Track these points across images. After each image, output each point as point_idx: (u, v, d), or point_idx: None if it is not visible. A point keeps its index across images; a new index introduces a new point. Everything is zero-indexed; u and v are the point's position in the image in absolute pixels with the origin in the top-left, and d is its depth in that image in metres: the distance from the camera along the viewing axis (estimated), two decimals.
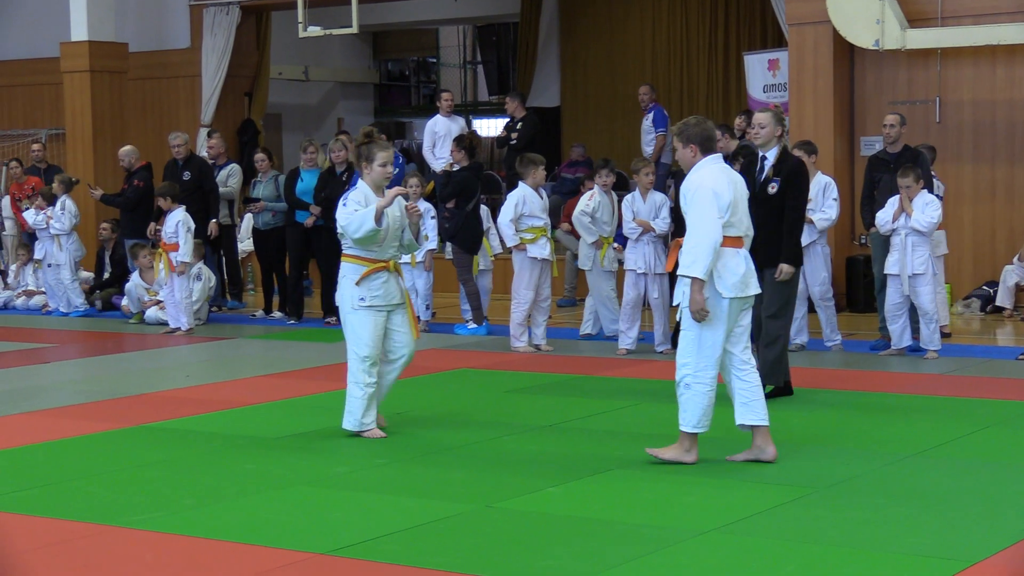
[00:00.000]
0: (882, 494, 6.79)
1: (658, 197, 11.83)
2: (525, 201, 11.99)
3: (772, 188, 9.23)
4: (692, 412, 7.38)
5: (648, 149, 16.51)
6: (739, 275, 7.34)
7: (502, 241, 12.72)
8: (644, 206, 11.74)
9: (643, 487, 7.08)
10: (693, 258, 7.23)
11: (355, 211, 8.14)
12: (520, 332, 12.00)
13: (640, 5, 21.41)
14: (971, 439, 8.14)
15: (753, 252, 8.57)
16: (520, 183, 12.18)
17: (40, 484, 7.38)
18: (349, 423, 8.33)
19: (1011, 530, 6.06)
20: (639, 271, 11.75)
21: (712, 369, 7.37)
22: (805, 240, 11.59)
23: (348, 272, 8.32)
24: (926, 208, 10.96)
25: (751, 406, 7.49)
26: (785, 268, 9.24)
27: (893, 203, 11.21)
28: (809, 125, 14.10)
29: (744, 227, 7.45)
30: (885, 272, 11.39)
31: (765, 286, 9.18)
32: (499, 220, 12.25)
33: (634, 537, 6.08)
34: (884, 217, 11.27)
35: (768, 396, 9.15)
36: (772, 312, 9.33)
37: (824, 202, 11.53)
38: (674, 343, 10.26)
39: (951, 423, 8.62)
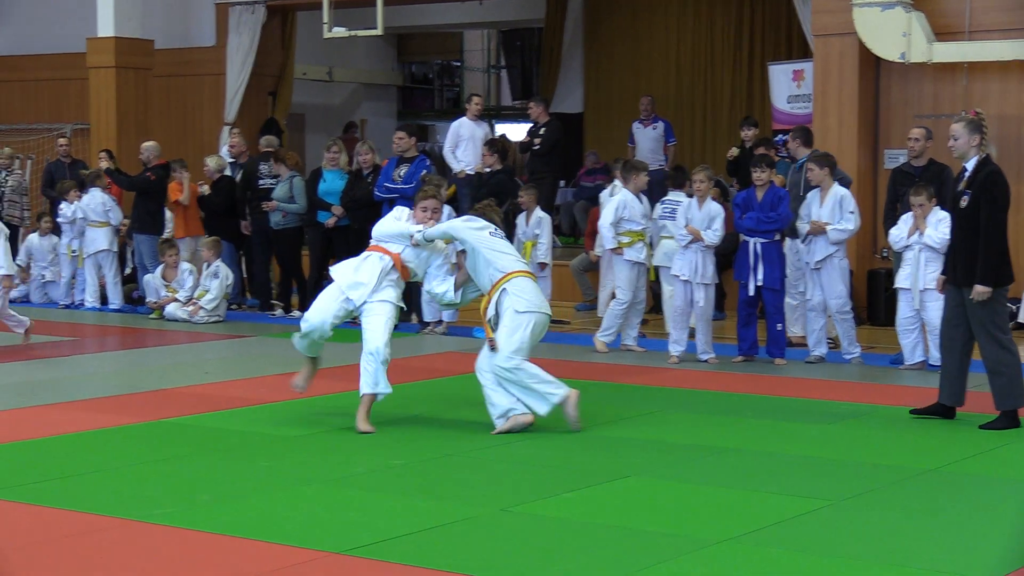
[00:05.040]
0: (900, 508, 6.77)
1: (713, 207, 11.79)
2: (626, 206, 12.26)
3: (963, 201, 8.82)
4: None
5: (651, 156, 16.72)
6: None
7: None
8: (699, 214, 11.73)
9: (661, 494, 7.07)
10: None
11: None
12: (613, 330, 12.31)
13: (665, 13, 21.38)
14: (991, 455, 8.11)
15: (953, 270, 8.75)
16: (623, 189, 12.47)
17: (59, 476, 7.41)
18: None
19: None
20: (683, 278, 11.73)
21: None
22: (821, 254, 11.58)
23: None
24: (939, 225, 10.89)
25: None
26: (979, 289, 8.71)
27: (907, 220, 11.20)
28: (833, 137, 14.07)
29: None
30: (896, 286, 11.38)
31: (972, 308, 8.85)
32: (600, 223, 12.67)
33: (650, 545, 6.07)
34: (898, 234, 11.24)
35: (993, 425, 8.88)
36: (981, 336, 8.88)
37: (841, 215, 11.51)
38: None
39: (970, 439, 8.57)
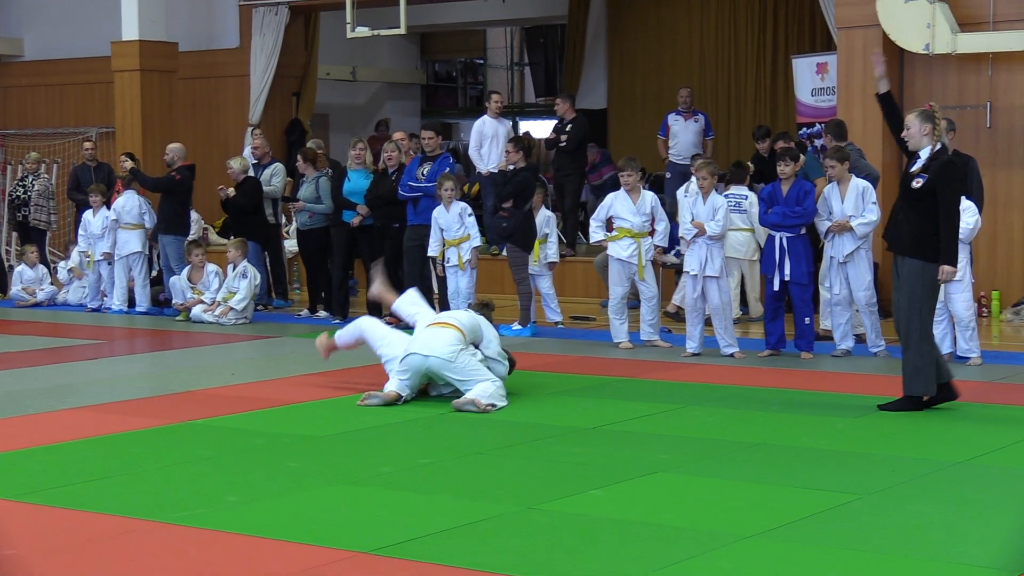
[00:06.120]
0: (927, 501, 6.75)
1: (717, 200, 11.78)
2: (612, 205, 12.32)
3: (917, 183, 9.00)
4: None
5: (692, 149, 16.49)
6: None
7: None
8: (704, 208, 11.72)
9: (687, 490, 7.06)
10: None
11: None
12: (616, 326, 12.33)
13: (688, 7, 21.36)
14: (1019, 447, 8.07)
15: (892, 240, 9.02)
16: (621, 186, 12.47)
17: (86, 479, 7.44)
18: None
19: None
20: (692, 273, 11.72)
21: None
22: (849, 247, 11.54)
23: None
24: (963, 215, 10.82)
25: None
26: (947, 269, 8.99)
27: None
28: (857, 129, 14.00)
29: None
30: None
31: (910, 281, 9.05)
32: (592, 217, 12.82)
33: (677, 540, 6.06)
34: None
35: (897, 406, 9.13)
36: (912, 310, 9.06)
37: (864, 207, 11.47)
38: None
39: (998, 431, 8.54)
